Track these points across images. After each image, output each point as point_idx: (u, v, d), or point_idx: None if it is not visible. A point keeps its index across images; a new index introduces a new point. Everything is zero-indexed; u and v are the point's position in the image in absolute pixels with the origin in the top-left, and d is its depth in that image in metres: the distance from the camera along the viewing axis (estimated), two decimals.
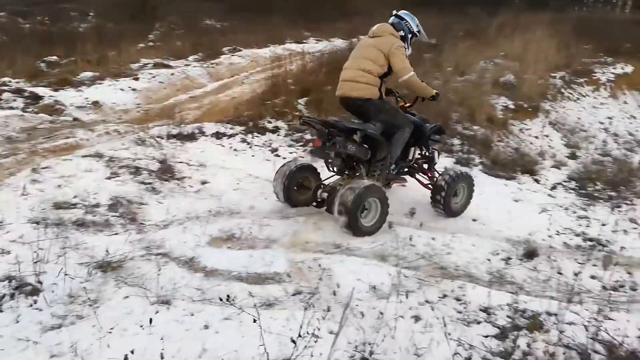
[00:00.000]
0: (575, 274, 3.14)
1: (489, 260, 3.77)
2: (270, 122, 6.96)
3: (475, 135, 7.20)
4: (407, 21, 4.43)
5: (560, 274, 3.62)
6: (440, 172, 4.70)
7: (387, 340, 2.40)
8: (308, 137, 6.67)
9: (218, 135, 6.48)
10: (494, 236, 4.28)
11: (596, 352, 2.43)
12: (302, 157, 5.94)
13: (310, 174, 4.53)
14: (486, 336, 2.60)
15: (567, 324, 2.68)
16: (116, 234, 3.74)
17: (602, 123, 10.29)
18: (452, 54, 10.30)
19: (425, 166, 4.81)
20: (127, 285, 2.95)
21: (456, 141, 6.98)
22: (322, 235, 3.98)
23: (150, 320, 2.36)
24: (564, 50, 11.75)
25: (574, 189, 6.10)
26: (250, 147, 6.28)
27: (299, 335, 2.02)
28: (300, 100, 7.70)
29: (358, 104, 4.22)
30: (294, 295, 3.04)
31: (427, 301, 2.99)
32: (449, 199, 4.47)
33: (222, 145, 6.25)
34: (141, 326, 2.55)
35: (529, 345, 2.43)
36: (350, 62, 4.35)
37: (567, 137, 8.80)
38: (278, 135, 6.71)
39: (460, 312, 2.91)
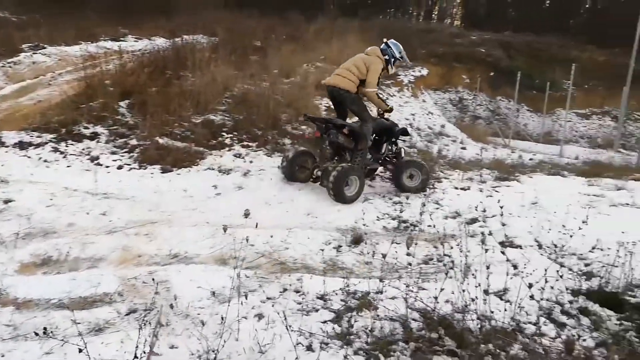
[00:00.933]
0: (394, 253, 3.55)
1: (322, 250, 4.03)
2: (87, 128, 6.30)
3: (304, 135, 7.59)
4: (392, 48, 5.74)
5: (382, 255, 4.05)
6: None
7: (230, 343, 2.39)
8: (134, 142, 6.23)
9: (22, 145, 5.63)
10: (326, 227, 4.60)
11: (414, 319, 2.80)
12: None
13: (308, 157, 5.87)
14: (324, 322, 2.78)
15: (390, 298, 3.03)
16: None
17: (407, 119, 11.84)
18: (277, 57, 10.66)
19: (394, 159, 6.19)
20: None
21: (287, 140, 7.27)
22: (156, 247, 3.77)
23: None
24: None
25: (388, 179, 6.88)
26: (65, 157, 5.61)
27: (135, 357, 1.89)
28: (121, 103, 7.13)
29: (340, 92, 5.58)
30: (127, 314, 2.82)
31: (268, 298, 3.07)
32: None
33: (29, 157, 5.46)
34: None
35: (355, 321, 2.67)
36: (343, 64, 5.77)
37: None
38: (98, 142, 6.11)
39: (300, 303, 3.05)
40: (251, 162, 6.33)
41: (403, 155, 6.27)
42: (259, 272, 3.50)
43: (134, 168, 5.78)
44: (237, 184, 5.63)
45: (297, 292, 3.21)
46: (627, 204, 5.21)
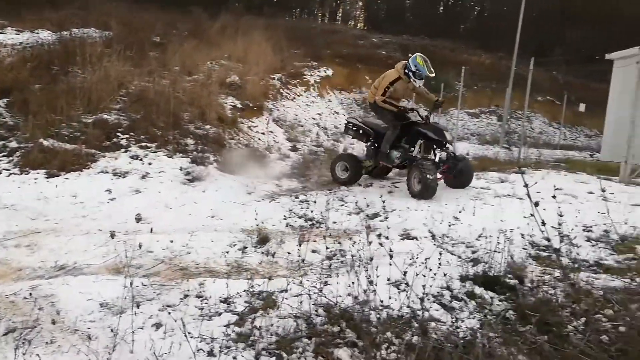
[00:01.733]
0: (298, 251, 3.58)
1: (227, 252, 3.94)
2: None
3: (208, 134, 7.39)
4: (409, 62, 6.18)
5: (288, 253, 4.07)
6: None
7: (124, 356, 2.25)
8: (13, 145, 5.64)
9: None
10: (231, 229, 4.51)
11: (318, 315, 2.84)
12: None
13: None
14: (227, 325, 2.72)
15: (295, 296, 3.04)
16: None
17: (314, 119, 12.03)
18: (178, 54, 10.26)
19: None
20: None
21: (190, 141, 7.02)
22: (40, 259, 3.44)
23: None
24: (279, 54, 13.15)
25: (296, 177, 6.94)
26: None
27: None
28: None
29: (369, 103, 6.61)
30: (5, 334, 2.53)
31: (168, 306, 2.93)
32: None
33: None
34: None
35: (259, 323, 2.65)
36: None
37: (288, 132, 9.94)
38: None
39: (201, 309, 2.95)
40: (150, 163, 6.01)
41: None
42: (157, 279, 3.33)
43: (14, 173, 5.23)
44: (134, 187, 5.32)
45: (199, 297, 3.11)
46: (509, 195, 5.74)
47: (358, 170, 6.50)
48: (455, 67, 17.61)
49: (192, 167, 6.13)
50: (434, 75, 6.28)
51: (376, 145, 6.51)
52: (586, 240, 4.01)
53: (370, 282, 2.58)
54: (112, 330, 2.32)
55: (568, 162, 11.08)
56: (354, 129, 6.68)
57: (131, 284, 2.48)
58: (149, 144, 6.46)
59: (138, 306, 2.59)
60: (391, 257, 2.42)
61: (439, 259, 2.86)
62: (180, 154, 6.40)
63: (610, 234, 4.04)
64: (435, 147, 6.24)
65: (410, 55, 6.40)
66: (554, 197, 2.45)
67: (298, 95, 12.46)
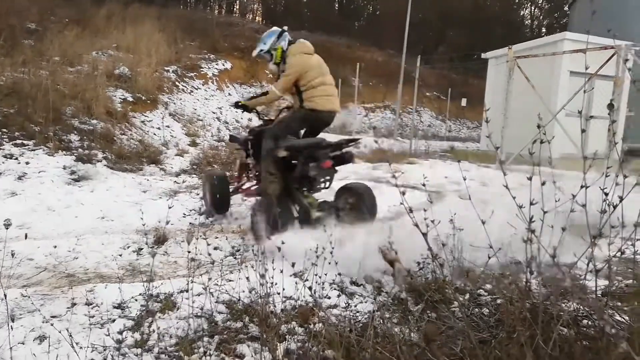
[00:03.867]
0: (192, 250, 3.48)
1: (120, 255, 3.71)
2: None
3: (95, 130, 6.86)
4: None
5: (188, 252, 3.93)
6: None
7: None
8: None
9: None
10: (124, 230, 4.25)
11: (220, 312, 2.79)
12: None
13: None
14: (121, 332, 2.56)
15: (196, 295, 2.96)
16: None
17: (214, 113, 11.74)
18: (58, 43, 9.35)
19: None
20: None
21: (74, 137, 6.47)
22: None
23: None
24: (174, 45, 12.59)
25: (196, 173, 6.72)
26: None
27: None
28: None
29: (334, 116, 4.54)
30: None
31: (53, 316, 2.68)
32: None
33: None
34: None
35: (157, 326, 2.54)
36: (327, 78, 4.38)
37: (186, 127, 9.59)
38: None
39: (92, 317, 2.75)
40: (27, 163, 5.42)
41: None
42: (40, 288, 3.03)
43: None
44: (9, 190, 4.77)
45: (89, 304, 2.88)
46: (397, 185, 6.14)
47: None
48: (351, 64, 18.24)
49: (77, 165, 5.63)
50: (262, 50, 4.55)
51: None
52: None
53: (267, 275, 2.59)
54: None
55: (452, 152, 12.09)
56: None
57: (5, 295, 2.22)
58: (25, 142, 5.82)
59: (13, 320, 2.33)
60: (279, 249, 2.47)
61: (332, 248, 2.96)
62: (63, 152, 5.86)
63: None
64: None
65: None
66: (423, 184, 2.64)
67: (196, 89, 12.06)
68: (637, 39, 7.41)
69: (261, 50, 4.54)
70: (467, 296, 2.81)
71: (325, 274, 2.54)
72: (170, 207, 3.74)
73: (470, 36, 28.27)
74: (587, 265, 1.48)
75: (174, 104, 10.29)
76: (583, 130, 1.75)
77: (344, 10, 34.72)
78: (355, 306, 2.75)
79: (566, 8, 25.75)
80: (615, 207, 1.41)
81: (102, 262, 3.54)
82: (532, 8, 36.96)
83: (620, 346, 1.04)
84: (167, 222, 3.96)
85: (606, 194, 1.42)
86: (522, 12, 36.85)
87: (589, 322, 1.99)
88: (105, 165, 6.00)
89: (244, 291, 2.97)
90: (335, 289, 3.01)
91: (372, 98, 21.15)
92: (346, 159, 4.18)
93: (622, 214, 1.48)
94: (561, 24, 30.56)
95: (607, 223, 1.40)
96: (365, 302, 2.87)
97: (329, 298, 2.80)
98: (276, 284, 2.65)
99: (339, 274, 2.76)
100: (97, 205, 4.70)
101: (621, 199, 1.41)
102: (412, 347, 1.95)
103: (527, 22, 36.73)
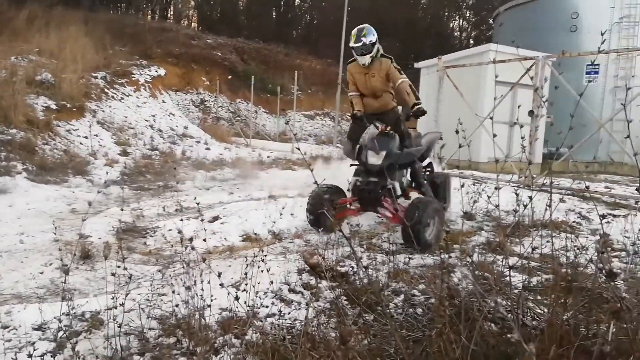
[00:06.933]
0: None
1: (41, 273, 3.46)
2: None
3: (14, 140, 6.39)
4: None
5: (117, 267, 3.73)
6: None
7: None
8: None
9: None
10: (47, 247, 3.97)
11: (152, 328, 2.67)
12: None
13: None
14: (41, 355, 2.38)
15: (126, 312, 2.81)
16: None
17: (147, 120, 11.30)
18: None
19: None
20: None
21: None
22: None
23: None
24: (102, 51, 12.03)
25: (127, 184, 6.43)
26: None
27: None
28: None
29: None
30: None
31: None
32: None
33: None
34: None
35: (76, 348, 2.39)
36: None
37: (116, 136, 9.16)
38: None
39: (9, 340, 2.54)
40: None
41: None
42: None
43: None
44: None
45: (6, 327, 2.66)
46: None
47: None
48: (289, 71, 18.31)
49: None
50: (361, 44, 4.53)
51: None
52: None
53: (209, 287, 2.52)
54: None
55: None
56: None
57: None
58: None
59: None
60: (204, 260, 2.42)
61: (276, 255, 2.94)
62: None
63: None
64: None
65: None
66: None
67: (127, 96, 11.57)
68: (556, 50, 7.99)
69: (371, 40, 4.58)
70: (402, 297, 2.88)
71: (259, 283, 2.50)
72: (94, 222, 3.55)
73: (403, 47, 29.33)
74: (502, 261, 1.57)
75: (103, 111, 9.80)
76: (495, 135, 1.85)
77: (282, 18, 34.83)
78: (289, 313, 2.73)
79: (491, 21, 27.44)
80: (525, 206, 1.50)
81: (21, 282, 3.29)
82: (461, 20, 39.06)
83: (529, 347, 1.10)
84: (87, 237, 3.75)
85: (517, 194, 1.51)
86: (451, 24, 38.81)
87: (511, 316, 2.11)
88: (25, 178, 5.60)
89: (177, 305, 2.87)
90: (275, 297, 2.97)
91: (312, 105, 21.33)
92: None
93: (532, 213, 1.58)
94: (487, 35, 32.52)
95: (518, 222, 1.49)
96: (299, 309, 2.85)
97: (267, 307, 2.77)
98: (212, 295, 2.58)
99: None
100: (16, 221, 4.37)
101: (530, 198, 1.50)
102: (346, 351, 1.96)
103: (456, 33, 38.73)
